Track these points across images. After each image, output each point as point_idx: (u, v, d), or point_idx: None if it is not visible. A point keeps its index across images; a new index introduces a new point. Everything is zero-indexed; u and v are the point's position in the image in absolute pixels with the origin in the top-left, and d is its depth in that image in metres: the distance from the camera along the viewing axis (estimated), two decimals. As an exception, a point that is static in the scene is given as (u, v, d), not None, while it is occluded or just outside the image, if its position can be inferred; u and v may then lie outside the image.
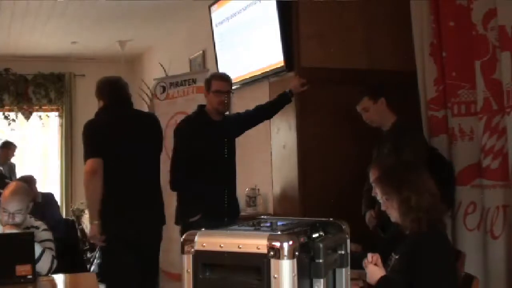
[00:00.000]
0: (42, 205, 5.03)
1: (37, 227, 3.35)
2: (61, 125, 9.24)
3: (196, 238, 1.46)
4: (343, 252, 1.70)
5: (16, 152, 8.02)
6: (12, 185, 3.44)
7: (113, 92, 3.66)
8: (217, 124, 3.76)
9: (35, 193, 5.03)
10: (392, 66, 4.37)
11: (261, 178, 4.88)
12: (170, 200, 3.85)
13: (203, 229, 1.51)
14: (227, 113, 3.87)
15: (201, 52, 6.36)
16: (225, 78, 3.82)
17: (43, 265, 3.16)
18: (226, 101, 3.71)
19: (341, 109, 4.14)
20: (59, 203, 6.62)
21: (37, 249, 3.13)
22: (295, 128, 4.31)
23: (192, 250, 1.46)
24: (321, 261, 1.51)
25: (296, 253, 1.40)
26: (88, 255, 6.31)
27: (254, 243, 1.41)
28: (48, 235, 3.36)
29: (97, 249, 5.66)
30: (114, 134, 3.53)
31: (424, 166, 2.68)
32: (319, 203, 4.15)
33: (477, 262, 3.29)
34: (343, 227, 1.73)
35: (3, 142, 8.01)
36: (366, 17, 4.48)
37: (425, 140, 3.63)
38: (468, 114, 3.48)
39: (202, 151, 3.65)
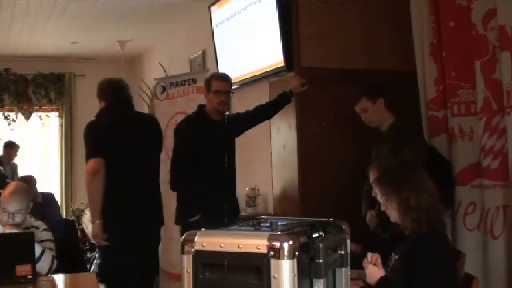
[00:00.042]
0: (42, 205, 5.03)
1: (37, 227, 3.35)
2: (61, 125, 9.25)
3: (196, 238, 1.46)
4: (343, 252, 1.70)
5: (16, 152, 8.05)
6: (12, 185, 3.43)
7: (115, 93, 3.67)
8: (217, 124, 3.76)
9: (35, 193, 5.04)
10: (392, 66, 4.37)
11: (261, 178, 4.88)
12: (170, 200, 3.85)
13: (203, 229, 1.51)
14: (227, 113, 3.87)
15: (201, 52, 6.35)
16: (225, 78, 3.82)
17: (43, 265, 3.15)
18: (226, 101, 3.71)
19: (341, 109, 4.13)
20: (59, 203, 6.61)
21: (37, 249, 3.13)
22: (295, 128, 4.31)
23: (192, 250, 1.46)
24: (321, 261, 1.51)
25: (296, 253, 1.40)
26: (88, 255, 6.32)
27: (254, 243, 1.41)
28: (48, 235, 3.35)
29: (97, 249, 5.66)
30: (115, 135, 3.54)
31: (423, 166, 2.68)
32: (319, 203, 4.15)
33: (477, 262, 3.28)
34: (343, 227, 1.73)
35: (6, 142, 8.02)
36: (366, 17, 4.48)
37: (424, 140, 3.63)
38: (468, 114, 3.48)
39: (202, 151, 3.65)
